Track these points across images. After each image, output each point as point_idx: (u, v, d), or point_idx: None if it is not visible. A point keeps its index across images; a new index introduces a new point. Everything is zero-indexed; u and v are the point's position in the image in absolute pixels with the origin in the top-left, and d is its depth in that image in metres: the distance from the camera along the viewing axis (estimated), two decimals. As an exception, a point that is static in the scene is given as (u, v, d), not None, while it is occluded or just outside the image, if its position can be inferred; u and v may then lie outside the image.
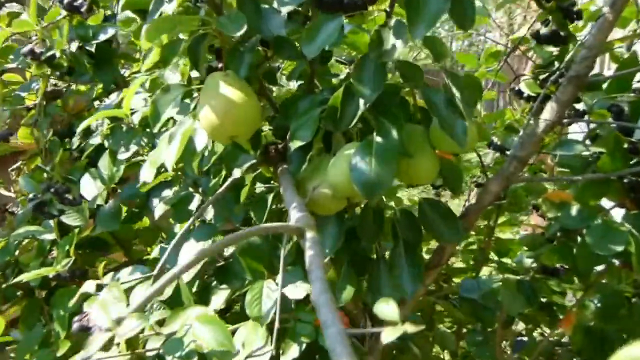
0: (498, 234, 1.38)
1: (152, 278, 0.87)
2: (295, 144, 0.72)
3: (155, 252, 1.18)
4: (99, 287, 0.76)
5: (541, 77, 1.30)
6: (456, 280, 1.52)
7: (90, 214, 1.16)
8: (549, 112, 0.87)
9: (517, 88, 1.35)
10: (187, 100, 0.89)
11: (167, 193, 1.13)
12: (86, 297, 0.77)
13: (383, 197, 0.90)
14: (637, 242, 0.81)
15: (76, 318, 0.74)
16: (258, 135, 0.80)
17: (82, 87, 1.40)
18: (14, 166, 1.41)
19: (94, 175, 1.07)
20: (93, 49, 1.21)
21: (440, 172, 0.81)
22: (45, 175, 1.16)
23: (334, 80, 1.01)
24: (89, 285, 0.77)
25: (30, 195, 1.11)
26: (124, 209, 1.30)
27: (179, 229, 1.13)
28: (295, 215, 0.64)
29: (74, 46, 1.19)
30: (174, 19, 0.68)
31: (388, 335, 0.40)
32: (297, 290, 0.80)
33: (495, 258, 1.40)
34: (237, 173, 0.82)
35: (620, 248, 0.80)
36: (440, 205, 0.87)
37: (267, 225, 0.62)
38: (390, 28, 0.65)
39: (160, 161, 0.75)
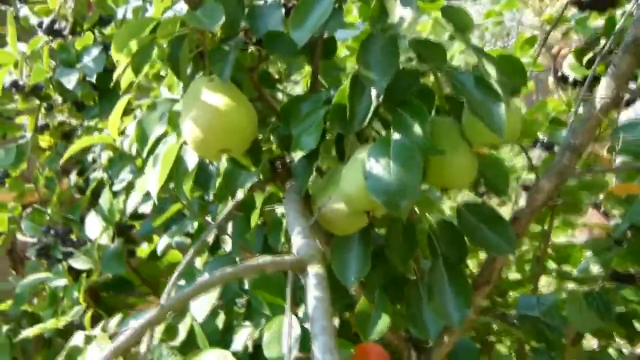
0: (553, 239, 1.23)
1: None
2: (297, 154, 0.60)
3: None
4: (88, 339, 0.66)
5: (585, 58, 1.16)
6: (512, 293, 1.37)
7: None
8: (604, 88, 0.73)
9: (560, 73, 1.21)
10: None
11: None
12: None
13: (415, 208, 0.76)
14: None
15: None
16: (257, 148, 0.67)
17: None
18: (27, 210, 1.35)
19: (98, 212, 0.98)
20: (94, 79, 1.15)
21: (480, 172, 0.67)
22: (47, 217, 1.08)
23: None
24: (77, 338, 0.67)
25: (34, 240, 1.03)
26: (151, 245, 1.22)
27: (201, 262, 1.06)
28: (296, 243, 0.51)
29: (74, 78, 1.13)
30: (145, 20, 0.58)
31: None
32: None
33: (553, 266, 1.24)
34: (239, 195, 0.70)
35: None
36: (483, 208, 0.73)
37: (254, 264, 0.48)
38: (396, -4, 0.52)
39: (147, 187, 0.64)
